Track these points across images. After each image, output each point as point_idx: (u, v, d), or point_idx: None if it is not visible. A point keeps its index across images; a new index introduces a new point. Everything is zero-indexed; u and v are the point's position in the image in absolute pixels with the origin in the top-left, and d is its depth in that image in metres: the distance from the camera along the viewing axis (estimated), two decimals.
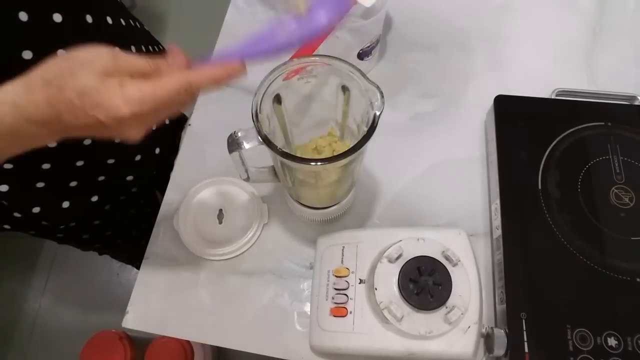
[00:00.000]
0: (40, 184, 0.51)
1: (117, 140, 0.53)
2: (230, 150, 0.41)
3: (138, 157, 0.59)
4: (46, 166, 0.49)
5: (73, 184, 0.53)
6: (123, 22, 0.53)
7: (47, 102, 0.29)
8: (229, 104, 0.61)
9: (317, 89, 0.42)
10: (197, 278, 0.51)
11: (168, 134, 0.65)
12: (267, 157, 0.42)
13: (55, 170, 0.50)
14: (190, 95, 0.32)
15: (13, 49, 0.40)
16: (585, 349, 0.41)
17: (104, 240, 0.72)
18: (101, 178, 0.56)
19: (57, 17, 0.42)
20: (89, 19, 0.46)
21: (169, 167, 0.59)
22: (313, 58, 0.40)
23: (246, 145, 0.40)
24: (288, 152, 0.37)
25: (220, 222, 0.53)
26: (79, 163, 0.52)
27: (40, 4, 0.41)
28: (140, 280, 0.51)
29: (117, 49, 0.31)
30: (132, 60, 0.31)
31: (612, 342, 0.41)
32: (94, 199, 0.58)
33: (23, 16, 0.39)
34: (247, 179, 0.48)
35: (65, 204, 0.55)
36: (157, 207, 0.56)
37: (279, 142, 0.43)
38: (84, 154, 0.51)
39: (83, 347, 0.89)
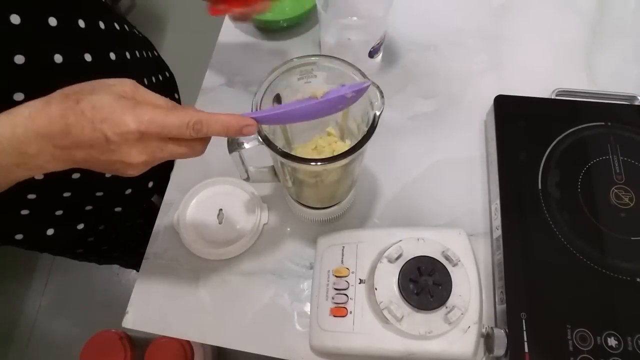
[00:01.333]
0: (24, 212, 0.49)
1: (109, 175, 0.51)
2: (230, 150, 0.41)
3: (129, 191, 0.58)
4: (32, 196, 0.48)
5: (59, 212, 0.52)
6: (117, 27, 0.53)
7: (60, 114, 0.29)
8: (229, 104, 0.61)
9: (318, 89, 0.42)
10: (197, 278, 0.51)
11: (165, 165, 0.63)
12: (267, 157, 0.42)
13: (41, 199, 0.49)
14: (197, 131, 0.31)
15: (4, 52, 0.39)
16: (585, 349, 0.41)
17: (100, 253, 0.71)
18: (88, 208, 0.55)
19: (52, 21, 0.42)
20: (81, 23, 0.46)
21: (168, 169, 0.58)
22: (313, 58, 0.40)
23: (246, 145, 0.40)
24: (288, 152, 0.37)
25: (220, 222, 0.53)
26: (66, 194, 0.51)
27: (34, 6, 0.40)
28: (140, 280, 0.51)
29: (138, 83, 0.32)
30: (152, 94, 0.32)
31: (612, 342, 0.41)
32: (80, 226, 0.56)
33: (15, 19, 0.38)
34: (247, 179, 0.48)
35: (50, 231, 0.54)
36: (154, 216, 0.55)
37: (279, 142, 0.43)
38: (72, 185, 0.50)
39: (83, 347, 0.89)
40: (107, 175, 0.52)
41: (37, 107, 0.30)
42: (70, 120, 0.29)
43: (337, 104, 0.36)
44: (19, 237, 0.52)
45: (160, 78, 0.64)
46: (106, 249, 0.70)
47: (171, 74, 0.69)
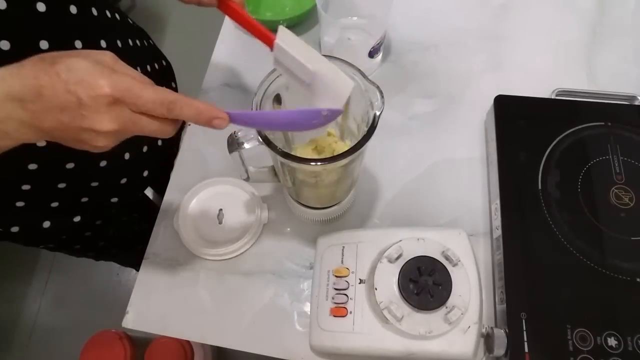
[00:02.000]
0: (20, 204, 0.49)
1: (104, 164, 0.52)
2: (230, 150, 0.41)
3: (124, 180, 0.57)
4: (26, 187, 0.48)
5: (54, 204, 0.52)
6: (109, 15, 0.52)
7: (33, 75, 0.28)
8: (229, 103, 0.61)
9: None
10: (197, 278, 0.50)
11: (159, 156, 0.63)
12: (267, 157, 0.42)
13: (36, 191, 0.49)
14: (170, 111, 0.31)
15: (29, 38, 0.39)
16: (585, 349, 0.41)
17: (98, 249, 0.71)
18: (84, 199, 0.55)
19: (41, 7, 0.41)
20: (72, 9, 0.45)
21: (167, 171, 0.58)
22: None
23: (246, 145, 0.40)
24: (288, 152, 0.37)
25: (220, 222, 0.53)
26: (61, 185, 0.50)
27: None
28: (140, 280, 0.51)
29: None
30: (131, 69, 0.31)
31: (612, 342, 0.41)
32: (76, 219, 0.56)
33: (1, 4, 0.38)
34: (247, 179, 0.48)
35: (46, 224, 0.53)
36: (151, 212, 0.55)
37: (279, 142, 0.43)
38: (67, 176, 0.50)
39: (83, 347, 0.89)
40: (102, 164, 0.52)
41: (9, 69, 0.29)
42: (43, 82, 0.28)
43: (311, 118, 0.35)
44: (14, 229, 0.52)
45: (157, 67, 0.63)
46: (104, 245, 0.70)
47: (168, 62, 0.69)
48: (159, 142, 0.62)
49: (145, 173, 0.61)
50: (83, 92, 0.28)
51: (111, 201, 0.59)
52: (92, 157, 0.50)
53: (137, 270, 0.52)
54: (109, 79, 0.29)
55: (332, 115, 0.35)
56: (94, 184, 0.54)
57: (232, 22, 0.68)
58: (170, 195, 0.55)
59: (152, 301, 0.50)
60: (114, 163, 0.54)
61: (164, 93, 0.31)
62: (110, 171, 0.54)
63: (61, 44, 0.43)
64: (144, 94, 0.30)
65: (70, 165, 0.49)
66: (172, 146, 0.66)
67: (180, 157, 0.58)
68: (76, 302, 1.35)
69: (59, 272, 1.40)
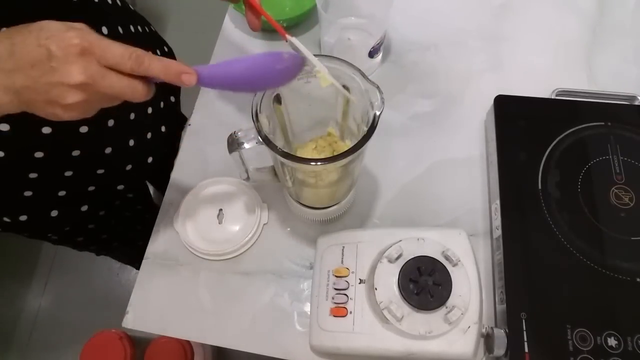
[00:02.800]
0: (27, 193, 0.50)
1: (108, 151, 0.52)
2: (230, 150, 0.41)
3: (129, 167, 0.58)
4: (33, 175, 0.48)
5: (62, 193, 0.53)
6: (109, 1, 0.52)
7: (6, 35, 0.30)
8: (229, 103, 0.61)
9: (317, 89, 0.42)
10: (197, 278, 0.51)
11: (162, 143, 0.63)
12: (267, 157, 0.42)
13: (43, 179, 0.49)
14: (138, 64, 0.31)
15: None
16: (585, 349, 0.41)
17: (100, 242, 0.72)
18: (91, 188, 0.55)
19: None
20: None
21: (167, 168, 0.58)
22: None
23: (246, 145, 0.40)
24: (288, 152, 0.37)
25: (220, 222, 0.53)
26: (68, 173, 0.51)
27: None
28: (140, 280, 0.51)
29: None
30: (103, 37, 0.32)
31: (612, 342, 0.41)
32: (84, 208, 0.57)
33: None
34: (247, 179, 0.48)
35: (54, 213, 0.54)
36: (153, 208, 0.55)
37: (279, 142, 0.43)
38: (73, 164, 0.51)
39: (83, 347, 0.89)
40: (107, 151, 0.53)
41: None
42: (16, 40, 0.29)
43: (274, 62, 0.36)
44: (23, 218, 0.52)
45: (159, 53, 0.63)
46: (106, 238, 0.70)
47: (170, 48, 0.69)
48: (163, 129, 0.62)
49: (150, 159, 0.61)
50: (53, 44, 0.29)
51: (117, 188, 0.59)
52: (98, 143, 0.51)
53: (137, 269, 0.52)
54: (79, 32, 0.30)
55: (293, 62, 0.37)
56: (100, 171, 0.54)
57: (232, 22, 0.68)
58: (170, 195, 0.55)
59: (152, 301, 0.50)
60: (119, 150, 0.54)
61: (132, 47, 0.31)
62: (116, 158, 0.55)
63: None
64: (112, 46, 0.31)
65: (76, 153, 0.50)
66: (175, 135, 0.67)
67: (180, 157, 0.58)
68: (76, 302, 1.35)
69: (59, 272, 1.40)
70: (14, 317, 1.33)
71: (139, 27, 0.59)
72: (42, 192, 0.51)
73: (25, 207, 0.52)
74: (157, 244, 0.53)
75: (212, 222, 0.53)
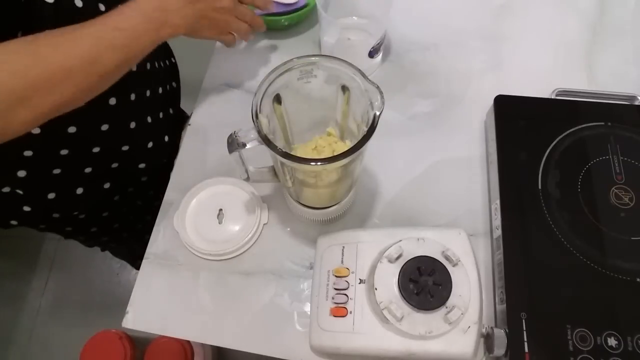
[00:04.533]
0: (56, 171, 0.51)
1: (133, 125, 0.55)
2: (230, 150, 0.41)
3: (150, 144, 0.60)
4: (64, 152, 0.50)
5: (88, 170, 0.54)
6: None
7: None
8: (229, 103, 0.61)
9: (317, 89, 0.43)
10: (197, 278, 0.51)
11: (173, 123, 0.66)
12: (267, 157, 0.42)
13: (72, 156, 0.51)
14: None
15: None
16: (585, 349, 0.41)
17: (111, 233, 0.73)
18: (115, 165, 0.57)
19: (79, 2, 0.45)
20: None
21: (167, 168, 0.59)
22: (313, 58, 0.40)
23: (246, 145, 0.40)
24: (288, 152, 0.37)
25: (220, 222, 0.53)
26: (95, 149, 0.53)
27: None
28: (140, 280, 0.51)
29: None
30: None
31: (612, 342, 0.41)
32: (107, 185, 0.59)
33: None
34: (247, 179, 0.48)
35: (79, 190, 0.56)
36: (164, 188, 0.56)
37: (279, 142, 0.43)
38: (99, 140, 0.53)
39: (83, 347, 0.89)
40: (132, 125, 0.56)
41: None
42: None
43: None
44: (51, 196, 0.54)
45: (167, 63, 0.66)
46: (117, 227, 0.72)
47: (175, 61, 0.71)
48: (171, 111, 0.65)
49: (166, 138, 0.63)
50: None
51: (139, 167, 0.61)
52: (123, 118, 0.55)
53: (137, 268, 0.52)
54: None
55: None
56: (125, 147, 0.56)
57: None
58: (170, 195, 0.55)
59: (152, 301, 0.50)
60: (141, 125, 0.57)
61: None
62: (139, 133, 0.57)
63: None
64: None
65: (105, 127, 0.52)
66: (182, 116, 0.69)
67: (180, 157, 0.58)
68: (76, 302, 1.35)
69: (59, 272, 1.40)
70: (14, 317, 1.33)
71: None
72: (70, 170, 0.53)
73: (54, 185, 0.53)
74: (157, 244, 0.53)
75: (212, 222, 0.53)
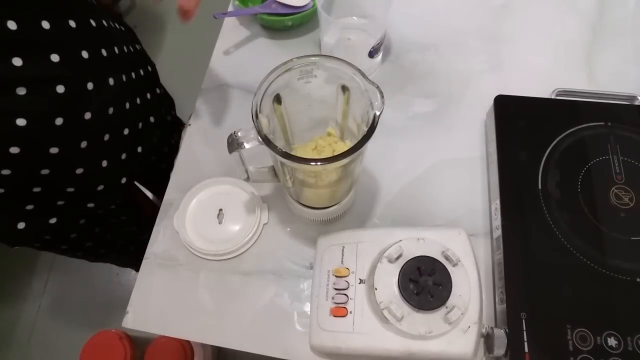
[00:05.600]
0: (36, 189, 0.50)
1: (80, 171, 0.52)
2: (230, 150, 0.41)
3: (100, 187, 0.57)
4: (1, 191, 0.48)
5: (29, 207, 0.53)
6: (93, 24, 0.52)
7: None
8: (229, 104, 0.61)
9: (317, 89, 0.42)
10: (197, 278, 0.51)
11: (138, 162, 0.62)
12: (267, 157, 0.42)
13: (9, 194, 0.49)
14: None
15: (2, 55, 0.40)
16: (585, 349, 0.41)
17: (86, 250, 0.71)
18: (60, 202, 0.55)
19: (45, 24, 0.43)
20: (72, 23, 0.46)
21: (163, 169, 0.58)
22: (313, 58, 0.40)
23: (246, 145, 0.40)
24: (288, 152, 0.37)
25: (220, 222, 0.53)
26: (37, 189, 0.51)
27: (28, 12, 0.41)
28: (140, 280, 0.51)
29: None
30: None
31: (612, 342, 0.41)
32: (52, 221, 0.56)
33: (12, 25, 0.40)
34: (247, 179, 0.48)
35: (21, 225, 0.54)
36: (140, 215, 0.54)
37: (279, 142, 0.43)
38: (42, 181, 0.50)
39: (83, 347, 0.89)
40: (78, 171, 0.52)
41: None
42: None
43: None
44: (21, 226, 0.52)
45: (142, 72, 0.63)
46: (92, 245, 0.70)
47: (154, 67, 0.68)
48: (139, 149, 0.61)
49: (124, 180, 0.60)
50: None
51: (87, 206, 0.58)
52: (69, 164, 0.51)
53: (137, 270, 0.52)
54: None
55: None
56: (70, 189, 0.54)
57: (232, 21, 0.68)
58: (170, 195, 0.55)
59: (152, 301, 0.50)
60: (91, 170, 0.54)
61: None
62: (87, 178, 0.54)
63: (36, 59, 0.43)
64: None
65: (45, 172, 0.49)
66: (152, 153, 0.65)
67: (180, 157, 0.58)
68: (76, 302, 1.35)
69: (59, 273, 1.40)
70: (14, 317, 1.33)
71: (131, 47, 0.59)
72: (8, 205, 0.51)
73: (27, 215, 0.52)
74: (157, 244, 0.53)
75: (212, 222, 0.53)
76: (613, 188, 0.48)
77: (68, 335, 1.29)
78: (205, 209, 0.53)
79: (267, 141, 0.37)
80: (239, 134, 0.40)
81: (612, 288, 0.44)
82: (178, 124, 0.77)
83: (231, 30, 0.68)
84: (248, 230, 0.51)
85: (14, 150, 0.45)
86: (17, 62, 0.41)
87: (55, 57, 0.45)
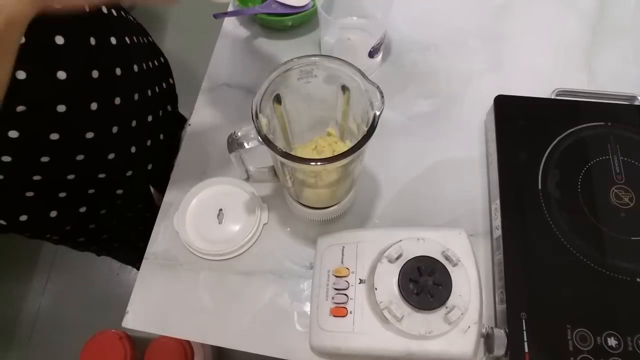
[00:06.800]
0: (29, 193, 0.50)
1: (111, 157, 0.53)
2: (230, 150, 0.41)
3: (129, 173, 0.59)
4: (37, 178, 0.49)
5: (62, 194, 0.53)
6: (104, 10, 0.52)
7: None
8: (229, 103, 0.61)
9: (317, 89, 0.42)
10: (197, 278, 0.51)
11: (162, 149, 0.64)
12: (267, 157, 0.42)
13: (46, 181, 0.50)
14: None
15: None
16: (585, 349, 0.41)
17: (100, 242, 0.72)
18: (91, 191, 0.56)
19: (59, 40, 0.43)
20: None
21: (168, 168, 0.58)
22: (313, 58, 0.40)
23: (246, 145, 0.40)
24: (288, 152, 0.37)
25: (220, 222, 0.53)
26: (70, 176, 0.52)
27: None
28: (140, 280, 0.51)
29: None
30: None
31: (612, 342, 0.41)
32: (82, 209, 0.57)
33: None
34: (247, 179, 0.48)
35: (53, 214, 0.54)
36: (154, 210, 0.55)
37: (279, 142, 0.43)
38: (76, 167, 0.51)
39: (83, 347, 0.89)
40: (110, 157, 0.54)
41: None
42: None
43: None
44: (23, 218, 0.53)
45: (156, 64, 0.64)
46: (107, 238, 0.71)
47: (166, 60, 0.70)
48: (161, 137, 0.63)
49: (150, 166, 0.62)
50: None
51: (117, 192, 0.60)
52: (102, 149, 0.52)
53: (137, 269, 0.52)
54: None
55: None
56: (101, 175, 0.55)
57: (232, 21, 0.68)
58: (170, 195, 0.55)
59: (152, 301, 0.50)
60: (122, 156, 0.55)
61: None
62: (117, 163, 0.55)
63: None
64: None
65: (80, 157, 0.50)
66: (173, 141, 0.67)
67: (180, 157, 0.58)
68: (76, 302, 1.35)
69: (59, 272, 1.40)
70: (14, 317, 1.33)
71: (141, 39, 0.60)
72: (43, 194, 0.51)
73: (26, 207, 0.52)
74: (157, 244, 0.53)
75: (212, 222, 0.53)
76: (613, 188, 0.48)
77: (68, 335, 1.28)
78: (205, 209, 0.53)
79: (267, 141, 0.37)
80: (239, 134, 0.40)
81: (612, 288, 0.44)
82: (181, 119, 0.78)
83: (231, 30, 0.68)
84: (248, 230, 0.51)
85: (54, 136, 0.46)
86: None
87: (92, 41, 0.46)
